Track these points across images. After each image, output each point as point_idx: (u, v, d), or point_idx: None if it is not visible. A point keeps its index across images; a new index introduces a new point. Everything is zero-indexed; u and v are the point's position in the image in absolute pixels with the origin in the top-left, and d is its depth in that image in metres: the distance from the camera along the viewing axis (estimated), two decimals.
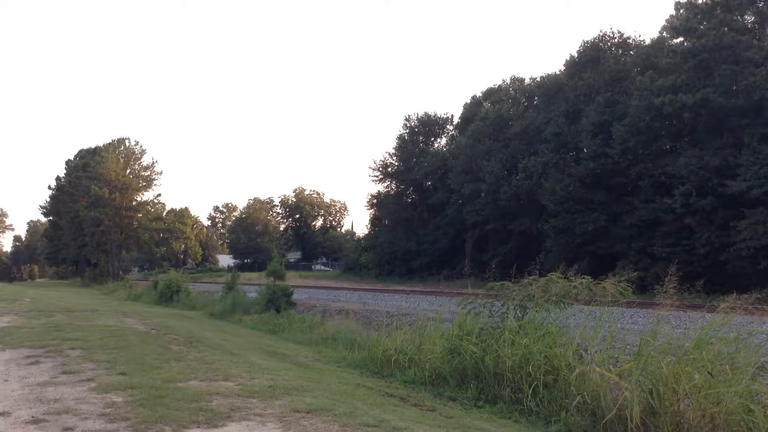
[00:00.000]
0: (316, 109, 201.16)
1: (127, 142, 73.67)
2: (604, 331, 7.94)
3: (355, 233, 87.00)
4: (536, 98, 44.90)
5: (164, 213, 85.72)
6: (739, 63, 27.30)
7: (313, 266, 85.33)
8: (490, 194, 42.06)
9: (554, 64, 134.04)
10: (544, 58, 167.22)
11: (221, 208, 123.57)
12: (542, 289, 8.53)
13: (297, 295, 23.68)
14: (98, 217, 66.17)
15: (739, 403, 5.61)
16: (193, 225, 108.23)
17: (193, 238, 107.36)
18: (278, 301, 20.24)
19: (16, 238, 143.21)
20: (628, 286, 8.35)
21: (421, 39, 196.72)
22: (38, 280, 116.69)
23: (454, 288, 32.34)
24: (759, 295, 6.75)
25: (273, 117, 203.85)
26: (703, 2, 29.88)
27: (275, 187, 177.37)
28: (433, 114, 58.30)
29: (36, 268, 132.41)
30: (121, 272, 71.58)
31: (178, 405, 5.17)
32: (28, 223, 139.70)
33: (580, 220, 33.42)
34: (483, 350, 7.90)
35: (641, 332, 8.08)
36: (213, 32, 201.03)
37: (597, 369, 6.41)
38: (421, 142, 58.01)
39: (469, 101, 55.87)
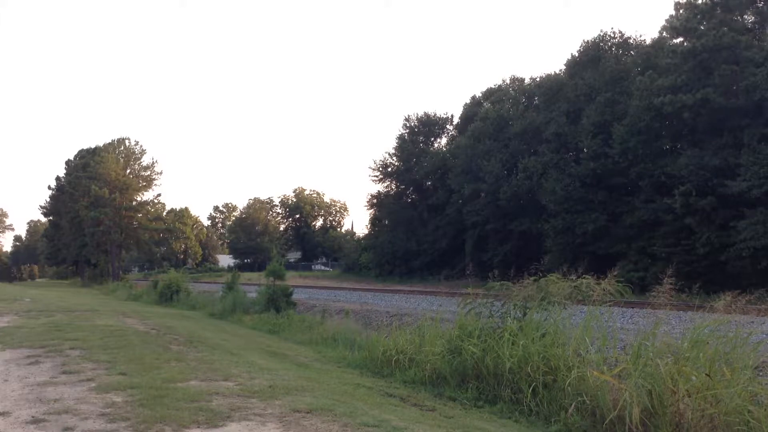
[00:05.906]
0: (316, 109, 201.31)
1: (127, 142, 73.60)
2: (595, 330, 7.93)
3: (355, 233, 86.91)
4: (536, 98, 44.86)
5: (164, 213, 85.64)
6: (739, 63, 27.30)
7: (313, 266, 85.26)
8: (490, 194, 42.07)
9: (554, 64, 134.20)
10: (544, 58, 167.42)
11: (221, 208, 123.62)
12: (542, 290, 8.53)
13: (297, 295, 23.70)
14: (98, 217, 66.09)
15: (738, 403, 5.61)
16: (193, 225, 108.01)
17: (193, 238, 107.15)
18: (278, 301, 20.26)
19: (16, 238, 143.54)
20: (627, 286, 8.35)
21: (421, 39, 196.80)
22: (38, 280, 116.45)
23: (454, 288, 32.31)
24: (759, 294, 6.76)
25: (273, 117, 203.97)
26: (703, 2, 29.87)
27: (275, 187, 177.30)
28: (433, 114, 58.33)
29: (36, 268, 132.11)
30: (121, 272, 71.44)
31: (178, 405, 5.18)
32: (28, 223, 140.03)
33: (580, 220, 33.41)
34: (483, 351, 7.92)
35: (640, 332, 8.07)
36: (213, 33, 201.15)
37: (595, 373, 6.41)
38: (421, 142, 57.98)
39: (469, 101, 55.80)
